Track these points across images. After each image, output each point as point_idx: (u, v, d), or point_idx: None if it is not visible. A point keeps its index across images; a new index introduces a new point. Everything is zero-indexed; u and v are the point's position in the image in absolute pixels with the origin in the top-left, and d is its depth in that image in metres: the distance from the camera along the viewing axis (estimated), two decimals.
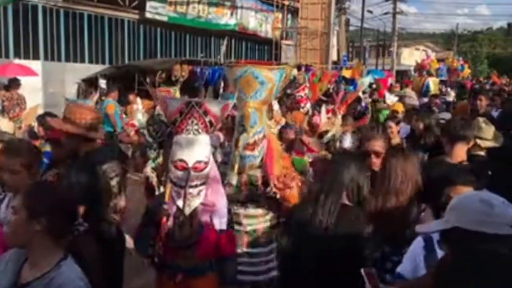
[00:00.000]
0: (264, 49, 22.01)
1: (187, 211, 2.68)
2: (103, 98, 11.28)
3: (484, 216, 1.50)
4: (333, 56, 23.73)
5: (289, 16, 22.62)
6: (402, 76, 33.75)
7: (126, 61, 15.20)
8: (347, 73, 16.84)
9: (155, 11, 16.18)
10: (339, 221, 2.46)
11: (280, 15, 21.88)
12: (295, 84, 13.07)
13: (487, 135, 3.98)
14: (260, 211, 3.60)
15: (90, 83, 13.06)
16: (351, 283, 2.19)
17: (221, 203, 2.76)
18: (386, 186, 2.68)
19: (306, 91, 9.55)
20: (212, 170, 2.75)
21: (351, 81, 13.69)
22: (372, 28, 40.00)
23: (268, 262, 3.58)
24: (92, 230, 2.47)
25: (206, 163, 2.66)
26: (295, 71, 15.35)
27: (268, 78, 3.45)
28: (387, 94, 9.70)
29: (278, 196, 3.55)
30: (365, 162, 2.98)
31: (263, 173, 3.59)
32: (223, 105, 2.73)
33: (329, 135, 5.09)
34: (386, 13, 34.71)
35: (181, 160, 2.62)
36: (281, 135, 5.13)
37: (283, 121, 6.75)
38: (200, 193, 2.68)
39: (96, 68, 13.76)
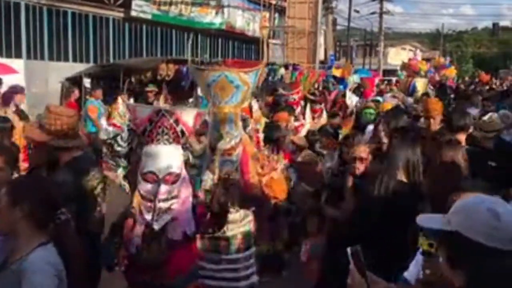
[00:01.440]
0: (251, 48, 21.93)
1: (157, 226, 2.48)
2: (87, 97, 11.10)
3: (489, 229, 1.42)
4: (320, 55, 23.74)
5: (276, 15, 22.56)
6: (389, 75, 33.96)
7: (111, 59, 15.01)
8: (337, 72, 16.83)
9: (140, 9, 16.01)
10: (394, 195, 2.88)
11: (267, 14, 21.80)
12: (283, 84, 13.04)
13: None
14: (237, 215, 3.47)
15: (74, 82, 12.83)
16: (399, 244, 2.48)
17: (186, 211, 2.58)
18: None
19: (300, 94, 9.51)
20: (185, 181, 2.59)
21: (341, 80, 13.63)
22: (359, 27, 40.17)
23: (248, 267, 3.46)
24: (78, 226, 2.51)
25: (178, 175, 2.49)
26: (282, 70, 15.31)
27: (243, 82, 3.37)
28: (348, 94, 9.44)
29: (263, 183, 3.47)
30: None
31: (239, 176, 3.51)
32: (196, 113, 2.59)
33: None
34: (373, 13, 34.93)
35: (151, 172, 2.46)
36: (266, 136, 5.03)
37: (262, 120, 6.69)
38: (171, 207, 2.49)
39: (80, 67, 13.51)
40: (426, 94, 11.01)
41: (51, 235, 2.04)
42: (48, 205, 2.04)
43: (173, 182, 2.47)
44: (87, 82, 12.43)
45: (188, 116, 2.54)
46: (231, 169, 3.47)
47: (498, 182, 3.08)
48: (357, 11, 33.66)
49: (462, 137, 4.11)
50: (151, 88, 10.14)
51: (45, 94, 12.40)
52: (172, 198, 2.48)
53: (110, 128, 4.77)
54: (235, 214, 3.46)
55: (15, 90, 7.62)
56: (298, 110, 8.46)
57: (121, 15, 15.63)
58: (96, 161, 3.49)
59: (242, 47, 21.85)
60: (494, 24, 39.68)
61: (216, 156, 3.47)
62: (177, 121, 2.50)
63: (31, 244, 1.96)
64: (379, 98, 10.17)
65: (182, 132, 2.52)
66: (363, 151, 3.75)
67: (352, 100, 9.04)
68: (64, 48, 14.09)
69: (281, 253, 4.50)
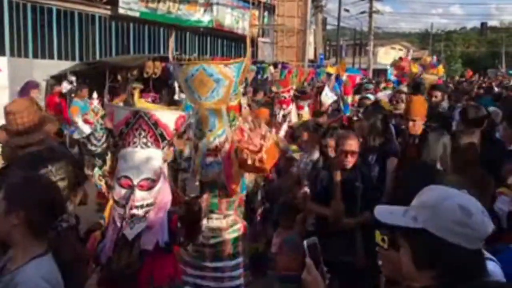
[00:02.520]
0: (240, 47, 21.80)
1: (130, 235, 2.31)
2: (72, 95, 10.92)
3: (459, 227, 1.31)
4: (310, 54, 23.69)
5: (266, 13, 22.46)
6: (379, 74, 34.07)
7: (98, 57, 14.78)
8: (332, 70, 16.75)
9: (128, 6, 15.81)
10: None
11: (256, 12, 21.70)
12: (274, 81, 12.92)
13: None
14: (224, 223, 3.31)
15: (59, 80, 12.61)
16: None
17: (161, 220, 2.39)
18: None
19: (291, 93, 9.38)
20: (163, 188, 2.39)
21: (336, 78, 13.49)
22: (349, 27, 40.24)
23: (233, 278, 3.30)
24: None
25: (155, 181, 2.32)
26: (271, 69, 15.22)
27: (223, 75, 3.10)
28: (325, 90, 9.09)
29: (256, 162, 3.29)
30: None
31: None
32: (178, 115, 2.41)
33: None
34: (362, 12, 34.98)
35: (126, 177, 2.29)
36: None
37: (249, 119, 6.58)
38: (146, 215, 2.31)
39: (65, 65, 13.28)
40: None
41: (51, 244, 1.91)
42: (46, 212, 1.89)
43: (149, 189, 2.30)
44: (72, 80, 12.24)
45: (168, 119, 2.37)
46: (217, 172, 3.25)
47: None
48: (347, 10, 33.68)
49: (477, 131, 4.13)
50: (136, 85, 9.96)
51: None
52: (147, 205, 2.31)
53: (86, 126, 4.61)
54: (221, 221, 3.31)
55: (31, 85, 7.77)
56: (289, 108, 8.35)
57: (108, 12, 15.41)
58: (66, 156, 3.26)
59: (231, 46, 21.71)
60: (482, 24, 39.93)
61: (198, 156, 3.26)
62: (156, 124, 2.34)
63: (27, 255, 1.84)
64: (370, 95, 10.09)
65: (162, 135, 2.35)
66: (353, 144, 3.70)
67: (328, 97, 8.78)
68: (49, 45, 13.86)
69: (264, 253, 4.40)
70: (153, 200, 2.33)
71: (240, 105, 5.05)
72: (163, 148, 2.40)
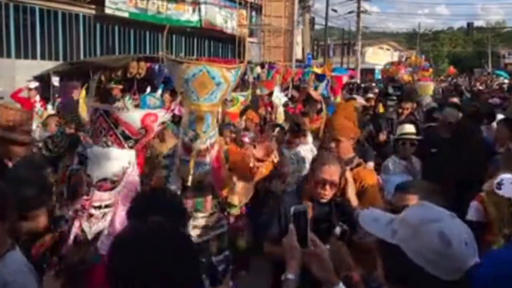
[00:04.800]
0: (227, 47, 21.74)
1: (89, 235, 2.26)
2: (55, 96, 10.79)
3: (435, 255, 1.24)
4: (298, 54, 23.70)
5: (253, 13, 22.42)
6: (367, 74, 34.25)
7: (82, 57, 14.64)
8: (318, 70, 16.78)
9: (115, 6, 15.67)
10: None
11: (244, 12, 21.66)
12: (259, 84, 12.88)
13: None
14: (210, 221, 3.26)
15: (42, 81, 12.46)
16: None
17: (121, 225, 2.29)
18: None
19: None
20: (128, 190, 2.33)
21: (322, 77, 13.42)
22: (337, 27, 40.39)
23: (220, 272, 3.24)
24: None
25: (115, 182, 2.26)
26: (258, 69, 15.18)
27: (225, 79, 3.02)
28: (276, 92, 8.78)
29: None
30: None
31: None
32: (144, 113, 2.35)
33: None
34: (350, 12, 35.11)
35: (88, 175, 2.27)
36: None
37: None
38: (105, 216, 2.26)
39: (49, 65, 13.14)
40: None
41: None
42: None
43: (108, 189, 2.24)
44: (55, 80, 12.08)
45: (131, 117, 2.30)
46: (204, 172, 3.25)
47: None
48: (335, 10, 33.75)
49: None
50: (115, 86, 9.87)
51: (12, 92, 11.97)
52: (106, 207, 2.25)
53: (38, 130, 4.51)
54: (208, 219, 3.27)
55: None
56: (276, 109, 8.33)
57: (93, 12, 15.26)
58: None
59: (218, 46, 21.64)
60: (468, 24, 40.26)
61: (192, 157, 3.24)
62: (116, 123, 2.27)
63: (3, 248, 1.89)
64: (355, 96, 10.12)
65: (124, 134, 2.27)
66: (334, 172, 2.87)
67: (280, 98, 8.58)
68: (32, 45, 13.69)
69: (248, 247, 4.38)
70: (112, 202, 2.27)
71: (237, 113, 5.00)
72: (131, 147, 2.33)
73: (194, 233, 3.18)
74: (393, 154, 4.52)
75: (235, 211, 3.93)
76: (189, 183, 3.26)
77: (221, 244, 3.31)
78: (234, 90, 4.67)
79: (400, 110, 6.84)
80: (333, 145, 3.35)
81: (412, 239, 1.28)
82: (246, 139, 4.76)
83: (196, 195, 3.25)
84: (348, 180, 3.00)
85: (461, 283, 1.26)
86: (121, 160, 2.28)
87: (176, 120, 5.52)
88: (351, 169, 3.23)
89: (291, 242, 1.65)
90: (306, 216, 1.68)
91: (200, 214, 3.25)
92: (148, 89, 9.22)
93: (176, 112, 6.30)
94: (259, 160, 3.30)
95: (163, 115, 2.43)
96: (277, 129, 5.89)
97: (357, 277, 2.02)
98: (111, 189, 2.25)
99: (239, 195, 3.90)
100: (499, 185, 2.07)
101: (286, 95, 11.92)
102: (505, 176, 2.21)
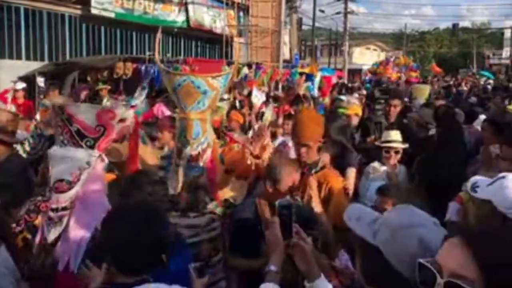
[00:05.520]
0: (215, 48, 21.69)
1: (48, 240, 2.20)
2: (41, 96, 10.68)
3: (412, 260, 1.21)
4: (286, 55, 23.71)
5: (241, 13, 22.38)
6: (354, 74, 34.43)
7: (68, 57, 14.49)
8: (305, 70, 16.83)
9: (101, 6, 15.53)
10: None
11: (232, 12, 21.61)
12: (239, 85, 12.87)
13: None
14: (202, 220, 3.27)
15: (27, 81, 12.31)
16: None
17: (80, 238, 2.19)
18: None
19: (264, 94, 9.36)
20: (84, 199, 2.23)
21: (309, 76, 13.46)
22: (325, 27, 40.55)
23: (213, 275, 3.24)
24: None
25: (71, 183, 2.15)
26: (246, 70, 15.18)
27: (211, 87, 3.13)
28: (254, 92, 8.79)
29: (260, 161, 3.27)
30: None
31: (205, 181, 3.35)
32: (100, 110, 2.27)
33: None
34: (337, 13, 35.30)
35: (49, 177, 2.21)
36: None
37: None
38: (62, 220, 2.17)
39: (34, 65, 12.99)
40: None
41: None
42: None
43: (64, 191, 2.15)
44: (40, 81, 11.95)
45: (87, 114, 2.20)
46: (197, 174, 3.31)
47: None
48: (322, 11, 33.96)
49: None
50: (102, 86, 9.83)
51: None
52: (62, 209, 2.16)
53: (24, 133, 4.43)
54: (199, 219, 3.28)
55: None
56: (262, 109, 8.33)
57: (78, 12, 15.12)
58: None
59: (206, 46, 21.59)
60: (454, 25, 40.68)
61: (182, 161, 3.29)
62: (70, 119, 2.19)
63: None
64: (341, 97, 10.15)
65: (79, 132, 2.19)
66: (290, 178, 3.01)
67: (258, 98, 8.54)
68: (17, 45, 13.51)
69: None
70: (68, 204, 2.18)
71: (220, 121, 5.03)
72: (91, 147, 2.24)
73: (187, 232, 3.19)
74: (377, 160, 4.47)
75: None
76: (178, 189, 3.29)
77: (215, 247, 3.31)
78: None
79: (388, 109, 6.43)
80: (303, 150, 3.32)
81: (392, 242, 1.29)
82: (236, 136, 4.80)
83: (190, 196, 3.31)
84: (312, 187, 3.02)
85: None
86: (77, 160, 2.18)
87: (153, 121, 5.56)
88: (316, 172, 3.27)
89: (275, 234, 1.68)
90: (290, 209, 1.73)
91: (192, 214, 3.29)
92: (138, 91, 9.19)
93: (159, 114, 6.31)
94: (256, 157, 3.36)
95: (123, 112, 2.33)
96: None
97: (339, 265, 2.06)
98: (67, 190, 2.16)
99: (235, 192, 3.92)
100: (474, 187, 2.10)
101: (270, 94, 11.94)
102: (478, 178, 2.24)
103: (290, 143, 4.82)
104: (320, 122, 3.45)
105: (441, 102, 8.49)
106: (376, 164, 4.37)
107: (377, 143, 4.62)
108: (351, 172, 4.10)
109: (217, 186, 3.36)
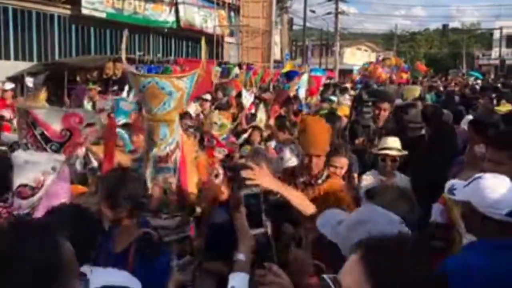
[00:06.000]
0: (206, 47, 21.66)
1: None
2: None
3: None
4: (276, 55, 23.77)
5: (232, 14, 22.42)
6: (345, 74, 34.57)
7: (57, 58, 14.42)
8: (290, 66, 16.83)
9: (92, 6, 15.48)
10: None
11: (223, 12, 21.65)
12: (221, 86, 12.85)
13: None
14: (172, 222, 3.30)
15: (16, 81, 12.23)
16: None
17: None
18: None
19: (253, 95, 9.34)
20: (51, 197, 2.18)
21: (293, 74, 13.34)
22: (316, 27, 40.67)
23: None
24: None
25: (34, 188, 2.10)
26: (237, 70, 15.20)
27: (176, 87, 3.12)
28: (243, 93, 8.72)
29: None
30: None
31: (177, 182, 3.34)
32: (66, 113, 2.24)
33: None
34: (328, 13, 35.45)
35: (11, 181, 2.15)
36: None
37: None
38: None
39: (22, 66, 12.91)
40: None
41: None
42: None
43: (27, 197, 2.10)
44: (29, 81, 11.88)
45: (52, 118, 2.18)
46: (168, 175, 3.29)
47: None
48: (313, 11, 34.03)
49: None
50: (93, 87, 9.79)
51: None
52: (26, 215, 2.11)
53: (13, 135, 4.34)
54: (170, 221, 3.28)
55: None
56: (252, 110, 8.32)
57: (68, 12, 15.04)
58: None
59: (196, 47, 21.58)
60: (444, 26, 41.02)
61: (148, 163, 3.28)
62: (34, 122, 2.17)
63: None
64: (332, 97, 10.17)
65: (44, 136, 2.17)
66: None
67: (247, 99, 8.44)
68: (5, 45, 13.43)
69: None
70: (30, 210, 2.14)
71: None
72: (57, 151, 2.20)
73: (156, 233, 3.22)
74: (364, 163, 4.36)
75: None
76: (148, 191, 3.29)
77: (183, 249, 3.30)
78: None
79: (377, 112, 5.91)
80: (316, 161, 3.16)
81: (346, 238, 1.36)
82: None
83: (162, 197, 3.29)
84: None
85: None
86: (40, 165, 2.13)
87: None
88: (323, 182, 3.22)
89: (241, 223, 1.71)
90: (259, 199, 1.72)
91: (164, 215, 3.28)
92: (125, 92, 9.14)
93: None
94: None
95: (90, 116, 2.30)
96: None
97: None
98: (31, 196, 2.11)
99: None
100: (452, 190, 2.13)
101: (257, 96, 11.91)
102: (454, 181, 2.26)
103: (287, 150, 4.87)
104: (328, 131, 3.35)
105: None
106: (374, 172, 4.20)
107: (374, 150, 4.37)
108: (354, 178, 4.10)
109: (188, 187, 3.34)
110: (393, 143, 4.15)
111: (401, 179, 3.99)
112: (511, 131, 3.24)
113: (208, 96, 9.47)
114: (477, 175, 2.03)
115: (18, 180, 2.08)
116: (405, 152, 4.13)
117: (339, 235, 1.39)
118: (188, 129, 5.25)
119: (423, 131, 5.20)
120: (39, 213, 2.12)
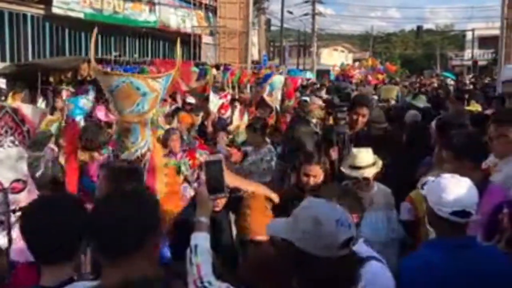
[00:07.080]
0: (183, 48, 21.58)
1: (3, 245, 2.17)
2: (2, 98, 10.40)
3: (307, 235, 1.41)
4: (254, 55, 23.83)
5: (210, 14, 22.38)
6: (323, 75, 34.86)
7: (30, 58, 14.17)
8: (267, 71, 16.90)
9: (67, 6, 15.23)
10: None
11: (201, 13, 21.60)
12: (217, 85, 12.81)
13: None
14: None
15: None
16: None
17: None
18: None
19: (229, 97, 9.31)
20: (32, 190, 2.29)
21: (267, 76, 13.31)
22: (293, 28, 40.92)
23: None
24: None
25: (25, 182, 2.22)
26: (214, 71, 15.18)
27: (151, 88, 3.00)
28: (211, 96, 8.49)
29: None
30: None
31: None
32: (41, 113, 2.38)
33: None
34: (306, 14, 35.69)
35: None
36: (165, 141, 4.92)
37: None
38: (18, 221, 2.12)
39: None
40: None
41: None
42: None
43: (20, 191, 2.20)
44: (2, 82, 11.64)
45: (34, 115, 2.29)
46: None
47: None
48: (291, 12, 34.21)
49: None
50: (66, 88, 9.67)
51: None
52: (20, 210, 2.14)
53: None
54: None
55: None
56: (228, 113, 8.32)
57: (41, 12, 14.79)
58: None
59: (173, 47, 21.48)
60: (418, 27, 41.72)
61: None
62: (23, 120, 2.24)
63: None
64: (306, 98, 10.25)
65: (28, 132, 2.26)
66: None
67: (215, 104, 8.13)
68: None
69: None
70: (24, 203, 2.16)
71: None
72: (30, 147, 2.35)
73: None
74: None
75: None
76: None
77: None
78: None
79: (355, 117, 4.99)
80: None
81: (294, 228, 1.45)
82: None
83: None
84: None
85: (341, 260, 1.41)
86: (25, 158, 2.28)
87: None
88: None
89: (201, 189, 1.85)
90: (220, 165, 1.81)
91: None
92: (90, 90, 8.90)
93: (102, 117, 6.23)
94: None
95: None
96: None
97: None
98: (23, 189, 2.21)
99: None
100: (423, 186, 2.23)
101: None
102: (429, 177, 2.36)
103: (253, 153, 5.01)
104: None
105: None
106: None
107: (342, 168, 3.65)
108: None
109: (156, 192, 3.33)
110: (365, 158, 3.50)
111: (378, 191, 3.51)
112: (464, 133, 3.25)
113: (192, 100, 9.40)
114: (442, 174, 2.13)
115: (10, 176, 2.17)
116: (379, 167, 3.54)
117: (287, 228, 1.47)
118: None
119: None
120: (22, 204, 2.16)
